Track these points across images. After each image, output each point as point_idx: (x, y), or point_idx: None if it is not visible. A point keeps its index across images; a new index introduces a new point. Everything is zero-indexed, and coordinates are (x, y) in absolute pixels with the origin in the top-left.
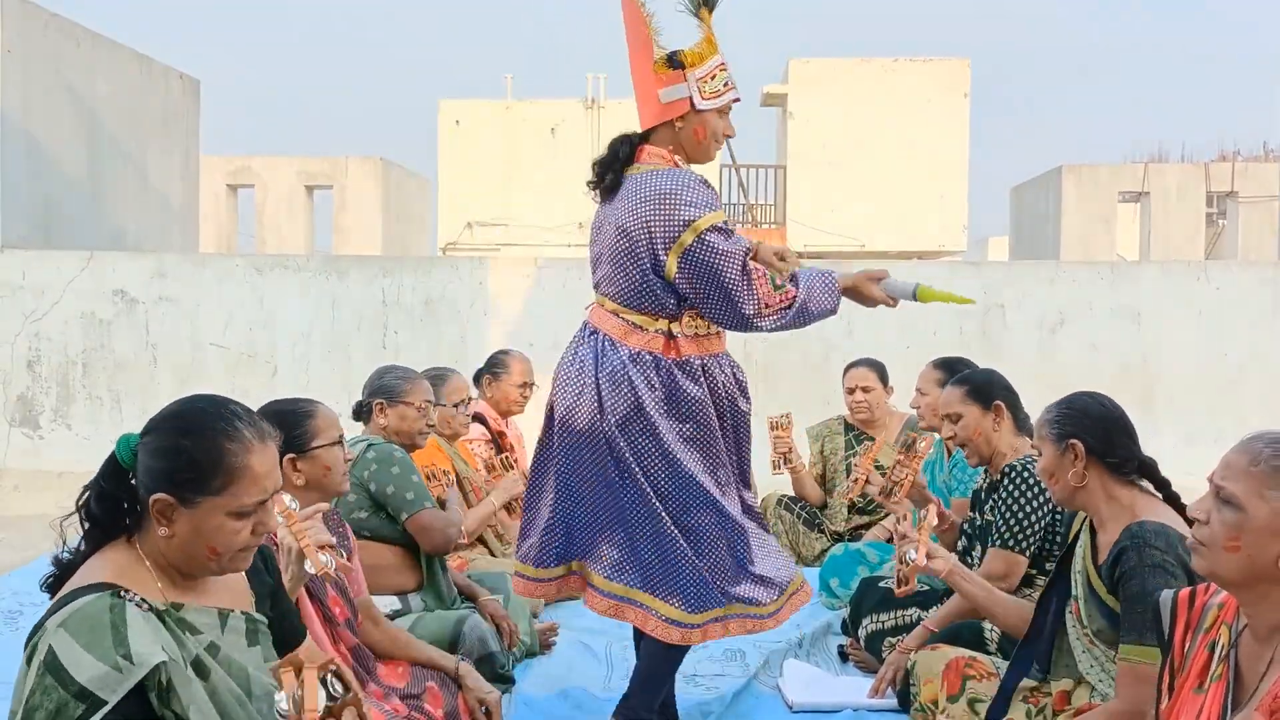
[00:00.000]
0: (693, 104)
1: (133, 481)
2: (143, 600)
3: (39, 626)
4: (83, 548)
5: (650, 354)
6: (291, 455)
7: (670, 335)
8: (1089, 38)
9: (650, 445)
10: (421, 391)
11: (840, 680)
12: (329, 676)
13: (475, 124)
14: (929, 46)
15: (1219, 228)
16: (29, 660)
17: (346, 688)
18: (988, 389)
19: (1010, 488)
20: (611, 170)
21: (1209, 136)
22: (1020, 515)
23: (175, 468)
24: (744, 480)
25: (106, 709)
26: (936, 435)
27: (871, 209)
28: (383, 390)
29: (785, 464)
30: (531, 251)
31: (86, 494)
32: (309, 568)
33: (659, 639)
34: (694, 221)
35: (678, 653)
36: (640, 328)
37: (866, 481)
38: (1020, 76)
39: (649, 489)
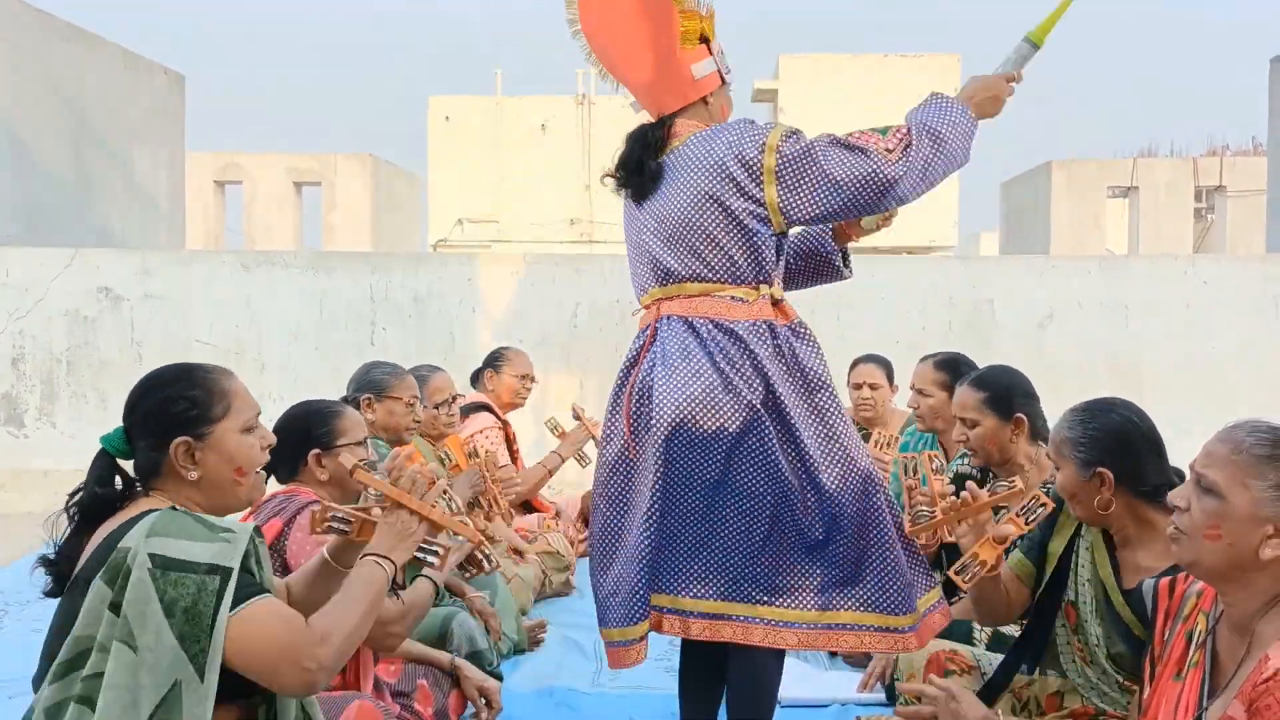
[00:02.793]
0: (723, 78)
1: (119, 475)
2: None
3: (107, 559)
4: (75, 536)
5: (765, 322)
6: (317, 451)
7: (775, 301)
8: (1079, 33)
9: (784, 429)
10: (409, 386)
11: (829, 675)
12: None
13: (465, 120)
14: (919, 42)
15: (1208, 222)
16: (119, 580)
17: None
18: (1008, 399)
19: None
20: (650, 158)
21: (1198, 131)
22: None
23: (180, 411)
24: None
25: (235, 572)
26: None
27: None
28: (370, 385)
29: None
30: (523, 247)
31: (79, 493)
32: (455, 538)
33: (768, 646)
34: (765, 141)
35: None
36: (744, 300)
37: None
38: None
39: (794, 481)
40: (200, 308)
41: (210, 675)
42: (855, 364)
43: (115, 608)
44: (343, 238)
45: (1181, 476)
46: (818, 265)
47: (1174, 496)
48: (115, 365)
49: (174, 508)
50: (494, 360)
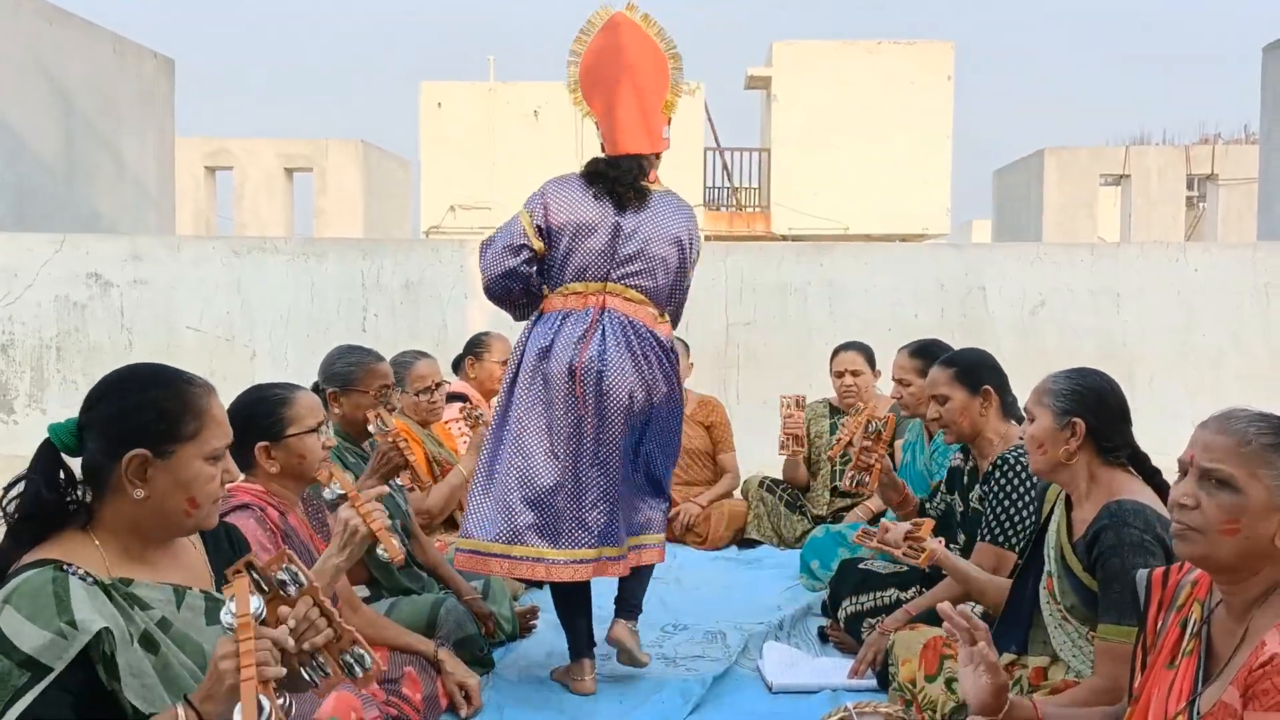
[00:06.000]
0: (668, 144)
1: (63, 472)
2: (87, 574)
3: None
4: (11, 545)
5: (669, 340)
6: (265, 443)
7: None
8: (1073, 21)
9: (673, 415)
10: (377, 377)
11: (820, 661)
12: (285, 568)
13: (457, 106)
14: (912, 29)
15: (1199, 210)
16: None
17: (303, 579)
18: (976, 372)
19: (1002, 481)
20: (641, 186)
21: (1190, 119)
22: (1011, 511)
23: (147, 421)
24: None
25: (51, 676)
26: (897, 413)
27: (855, 192)
28: (334, 378)
29: (795, 444)
30: None
31: (16, 490)
32: (381, 552)
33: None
34: (695, 234)
35: None
36: (662, 319)
37: (848, 444)
38: (1003, 59)
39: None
40: (190, 293)
41: None
42: (836, 352)
43: None
44: (334, 224)
45: (1144, 455)
46: None
47: (1177, 494)
48: (105, 351)
49: (60, 567)
50: (474, 347)
